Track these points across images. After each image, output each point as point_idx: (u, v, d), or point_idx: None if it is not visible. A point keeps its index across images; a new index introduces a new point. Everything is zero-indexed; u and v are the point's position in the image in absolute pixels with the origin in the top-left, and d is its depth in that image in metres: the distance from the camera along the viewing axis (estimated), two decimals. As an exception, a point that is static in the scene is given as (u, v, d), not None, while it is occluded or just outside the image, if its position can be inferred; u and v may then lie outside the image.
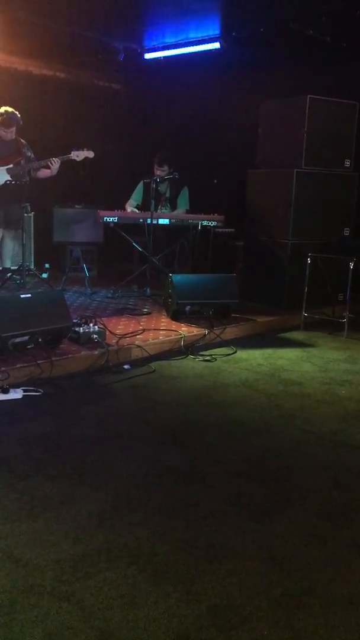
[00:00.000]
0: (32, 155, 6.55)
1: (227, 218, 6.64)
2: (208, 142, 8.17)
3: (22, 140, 6.53)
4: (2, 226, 6.63)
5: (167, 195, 6.94)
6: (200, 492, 2.76)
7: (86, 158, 6.43)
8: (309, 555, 2.31)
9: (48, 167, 6.34)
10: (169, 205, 6.94)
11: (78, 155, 6.36)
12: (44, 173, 6.44)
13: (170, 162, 6.76)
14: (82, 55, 8.02)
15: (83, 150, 6.37)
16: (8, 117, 6.27)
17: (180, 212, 6.82)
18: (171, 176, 6.69)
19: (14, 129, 6.36)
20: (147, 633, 1.87)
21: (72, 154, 6.33)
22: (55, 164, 6.30)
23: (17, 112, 6.33)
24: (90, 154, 6.40)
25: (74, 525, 2.43)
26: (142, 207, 6.82)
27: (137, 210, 6.75)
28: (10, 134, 6.38)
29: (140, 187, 6.98)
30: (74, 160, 6.37)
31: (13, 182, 6.22)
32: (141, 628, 1.89)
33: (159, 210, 6.76)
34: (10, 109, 6.31)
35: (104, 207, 6.70)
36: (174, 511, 2.57)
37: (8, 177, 6.32)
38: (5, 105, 6.38)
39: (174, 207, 6.92)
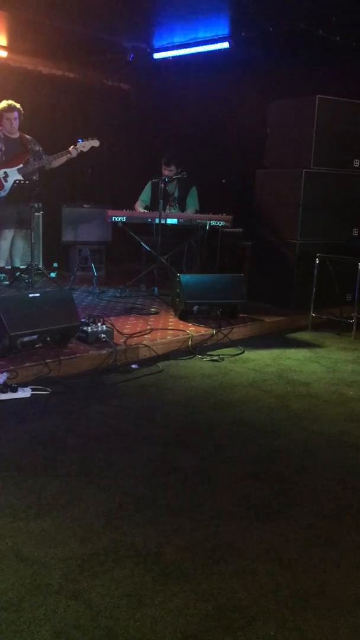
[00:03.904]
0: (40, 149, 6.58)
1: (235, 218, 6.63)
2: (217, 142, 8.17)
3: (27, 136, 6.56)
4: (15, 226, 6.66)
5: (176, 195, 6.94)
6: (208, 493, 2.76)
7: (93, 148, 6.45)
8: (316, 556, 2.31)
9: (65, 155, 6.39)
10: (177, 205, 6.94)
11: (84, 146, 6.38)
12: (59, 161, 6.48)
13: (178, 162, 6.76)
14: (91, 55, 8.03)
15: (88, 140, 6.40)
16: (8, 105, 6.36)
17: (190, 212, 6.82)
18: (180, 176, 6.69)
19: (16, 113, 6.37)
20: (153, 632, 1.87)
21: (78, 145, 6.35)
22: (73, 153, 6.35)
23: (17, 104, 6.41)
24: (96, 143, 6.43)
25: (82, 525, 2.44)
26: (151, 207, 6.83)
27: (146, 211, 6.76)
28: (15, 122, 6.39)
29: (148, 187, 6.98)
30: (82, 151, 6.40)
31: (22, 182, 6.25)
32: (148, 627, 1.89)
33: (167, 210, 6.76)
34: (10, 101, 6.39)
35: (112, 206, 6.71)
36: (181, 511, 2.58)
37: (18, 177, 6.34)
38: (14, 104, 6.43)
39: (182, 207, 6.92)
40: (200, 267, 6.81)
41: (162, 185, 6.40)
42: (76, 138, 6.43)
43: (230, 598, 2.04)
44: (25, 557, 2.21)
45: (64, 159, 6.44)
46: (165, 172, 6.75)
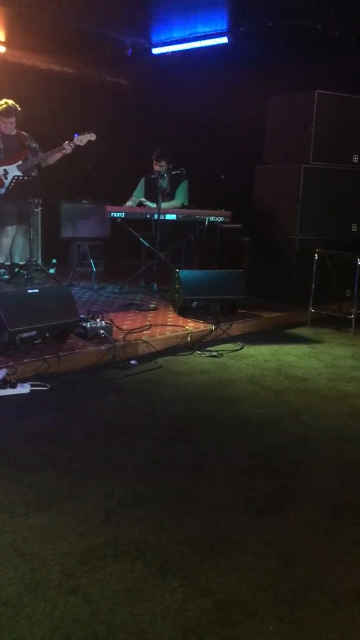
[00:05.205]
0: (37, 146, 6.57)
1: (234, 214, 6.62)
2: (216, 138, 8.16)
3: (23, 133, 6.56)
4: (16, 222, 6.66)
5: (168, 190, 6.90)
6: (206, 488, 2.76)
7: (90, 142, 6.43)
8: (315, 551, 2.31)
9: (60, 152, 6.37)
10: (169, 200, 6.90)
11: (81, 140, 6.37)
12: (54, 158, 6.46)
13: (169, 158, 6.72)
14: (89, 51, 8.01)
15: (85, 134, 6.38)
16: (7, 107, 6.33)
17: (175, 204, 6.77)
18: (178, 172, 6.67)
19: (13, 119, 6.36)
20: (153, 627, 1.88)
21: (75, 140, 6.34)
22: (67, 149, 6.33)
23: (16, 104, 6.37)
24: (92, 137, 6.41)
25: (81, 520, 2.44)
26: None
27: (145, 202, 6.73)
28: (10, 125, 6.38)
29: (141, 183, 6.96)
30: (78, 145, 6.38)
31: (22, 178, 6.24)
32: (147, 622, 1.90)
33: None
34: (9, 101, 6.36)
35: (111, 202, 6.70)
36: (180, 506, 2.58)
37: (18, 174, 6.33)
38: (12, 100, 6.40)
39: None
40: (199, 263, 6.81)
41: (161, 180, 6.39)
42: (74, 134, 6.42)
43: (229, 593, 2.05)
44: (24, 552, 2.22)
45: (59, 155, 6.43)
46: (156, 168, 6.74)
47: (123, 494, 2.65)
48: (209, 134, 8.23)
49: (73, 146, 6.37)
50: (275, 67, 7.24)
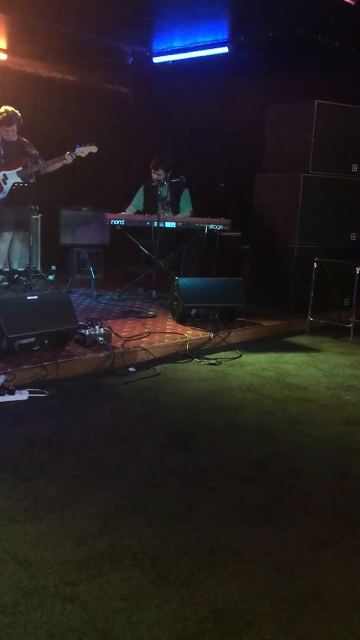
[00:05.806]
0: (37, 153, 6.58)
1: (233, 222, 6.63)
2: (215, 146, 8.18)
3: (24, 140, 6.57)
4: (13, 228, 6.66)
5: (169, 198, 6.92)
6: (204, 496, 2.76)
7: (91, 154, 6.45)
8: (313, 559, 2.31)
9: (61, 161, 6.38)
10: (170, 209, 6.91)
11: (83, 151, 6.38)
12: (54, 167, 6.48)
13: (167, 166, 6.75)
14: (90, 59, 8.05)
15: (86, 145, 6.39)
16: (8, 116, 6.31)
17: (185, 214, 6.80)
18: (178, 179, 6.69)
19: (14, 127, 6.37)
20: (150, 636, 1.87)
21: (76, 151, 6.35)
22: (68, 159, 6.34)
23: (17, 111, 6.37)
24: (94, 149, 6.42)
25: (78, 527, 2.43)
26: (145, 211, 6.82)
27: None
28: (12, 133, 6.40)
29: (140, 192, 6.97)
30: (79, 156, 6.39)
31: (21, 184, 6.25)
32: (144, 630, 1.89)
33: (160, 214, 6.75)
34: (10, 108, 6.35)
35: (111, 209, 6.72)
36: (178, 514, 2.58)
37: (17, 180, 6.35)
38: (13, 107, 6.42)
39: (175, 211, 6.89)
40: (199, 270, 6.81)
41: (160, 188, 6.40)
42: (75, 141, 6.43)
43: (226, 601, 2.04)
44: (21, 559, 2.21)
45: (59, 164, 6.44)
46: (154, 176, 6.76)
47: (121, 502, 2.65)
48: (209, 142, 8.26)
49: (74, 157, 6.38)
50: (276, 76, 7.27)
